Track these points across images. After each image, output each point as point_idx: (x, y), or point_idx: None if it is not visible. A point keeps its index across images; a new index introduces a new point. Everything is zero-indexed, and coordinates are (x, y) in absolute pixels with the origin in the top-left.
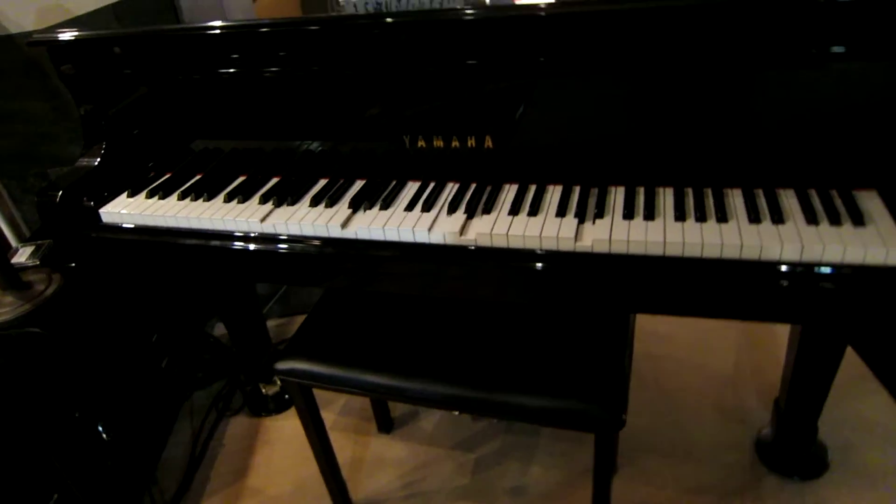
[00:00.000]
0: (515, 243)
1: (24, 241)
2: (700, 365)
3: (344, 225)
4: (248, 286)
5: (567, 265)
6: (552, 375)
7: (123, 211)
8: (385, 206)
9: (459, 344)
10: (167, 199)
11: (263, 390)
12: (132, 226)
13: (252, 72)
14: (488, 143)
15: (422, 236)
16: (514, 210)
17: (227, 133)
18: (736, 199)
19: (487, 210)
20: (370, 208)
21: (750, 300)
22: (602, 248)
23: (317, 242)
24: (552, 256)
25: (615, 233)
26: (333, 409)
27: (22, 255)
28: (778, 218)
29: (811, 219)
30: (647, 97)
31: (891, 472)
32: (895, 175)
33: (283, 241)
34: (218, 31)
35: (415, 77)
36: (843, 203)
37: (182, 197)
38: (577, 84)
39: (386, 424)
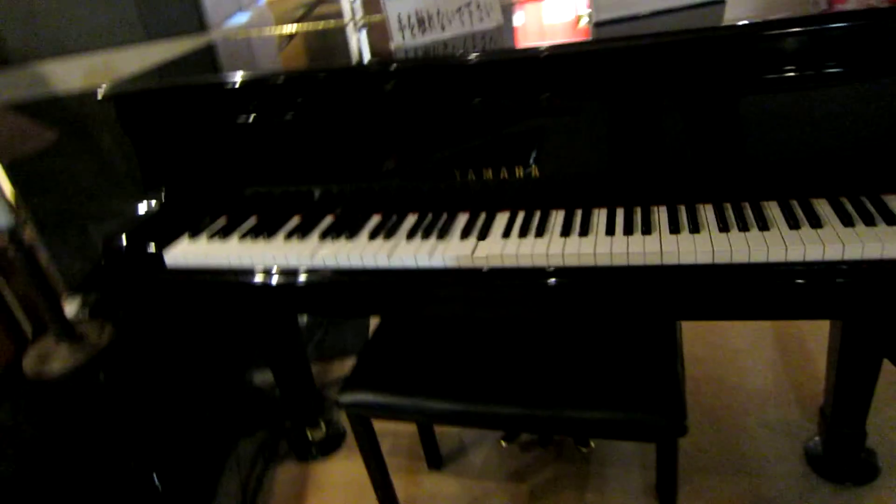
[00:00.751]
0: (562, 261)
1: (70, 293)
2: (737, 385)
3: (402, 255)
4: (293, 331)
5: (629, 277)
6: (611, 389)
7: (188, 253)
8: (441, 236)
9: (516, 365)
10: (228, 241)
11: (309, 435)
12: (197, 267)
13: (306, 118)
14: (535, 172)
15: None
16: (566, 232)
17: (278, 178)
18: (773, 210)
19: (540, 234)
20: (426, 238)
21: (797, 299)
22: (655, 259)
23: (376, 272)
24: (611, 270)
25: (682, 244)
26: (384, 446)
27: (70, 307)
28: (816, 223)
29: (847, 221)
30: (696, 118)
31: None
32: None
33: (343, 273)
34: (279, 80)
35: (464, 114)
36: (874, 206)
37: (243, 238)
38: (618, 112)
39: (435, 460)
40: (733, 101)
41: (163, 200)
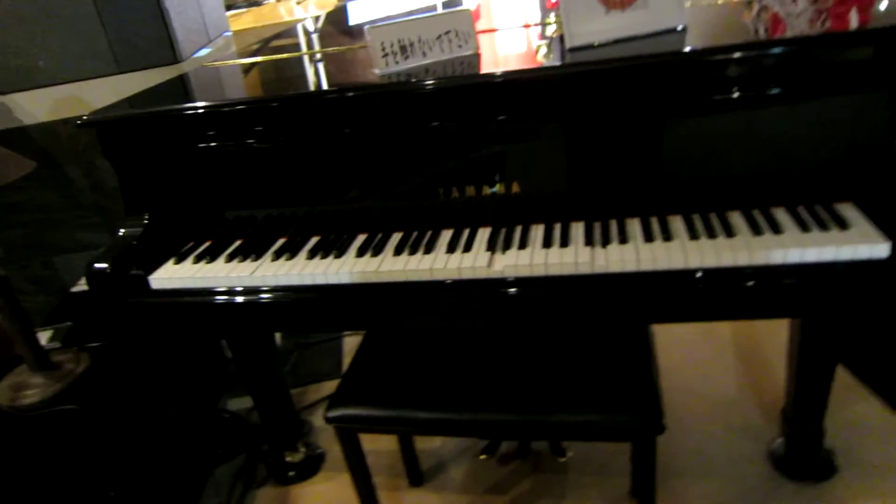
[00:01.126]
0: (543, 271)
1: (42, 325)
2: (703, 393)
3: (390, 269)
4: (272, 353)
5: (600, 284)
6: (592, 393)
7: (175, 276)
8: (428, 251)
9: (499, 373)
10: (215, 263)
11: (288, 458)
12: (184, 289)
13: (286, 141)
14: (515, 188)
15: (468, 273)
16: (547, 243)
17: (261, 202)
18: (737, 218)
19: (523, 246)
20: (413, 254)
21: (761, 299)
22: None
23: (364, 287)
24: (585, 279)
25: (657, 251)
26: None
27: (41, 339)
28: (777, 229)
29: (805, 228)
30: (678, 134)
31: (893, 466)
32: (866, 189)
33: (333, 290)
34: (258, 106)
35: (447, 135)
36: (827, 213)
37: (230, 259)
38: (574, 133)
39: (416, 477)
40: (683, 121)
41: (145, 225)
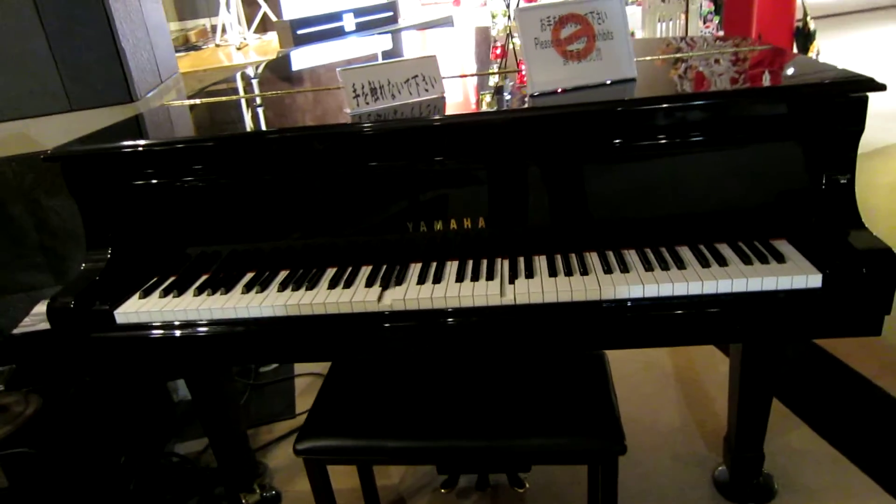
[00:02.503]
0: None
1: None
2: (649, 425)
3: (373, 300)
4: (231, 392)
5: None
6: (556, 418)
7: (142, 310)
8: (399, 283)
9: (465, 402)
10: (183, 297)
11: (244, 500)
12: (151, 323)
13: (251, 177)
14: (481, 223)
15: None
16: (512, 278)
17: (226, 238)
18: (686, 252)
19: (490, 277)
20: (387, 287)
21: (710, 325)
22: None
23: (337, 317)
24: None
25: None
26: None
27: None
28: (723, 262)
29: (747, 261)
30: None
31: (825, 489)
32: (797, 227)
33: (304, 321)
34: (213, 143)
35: (414, 172)
36: (765, 249)
37: (198, 293)
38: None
39: None
40: (636, 164)
41: (108, 260)
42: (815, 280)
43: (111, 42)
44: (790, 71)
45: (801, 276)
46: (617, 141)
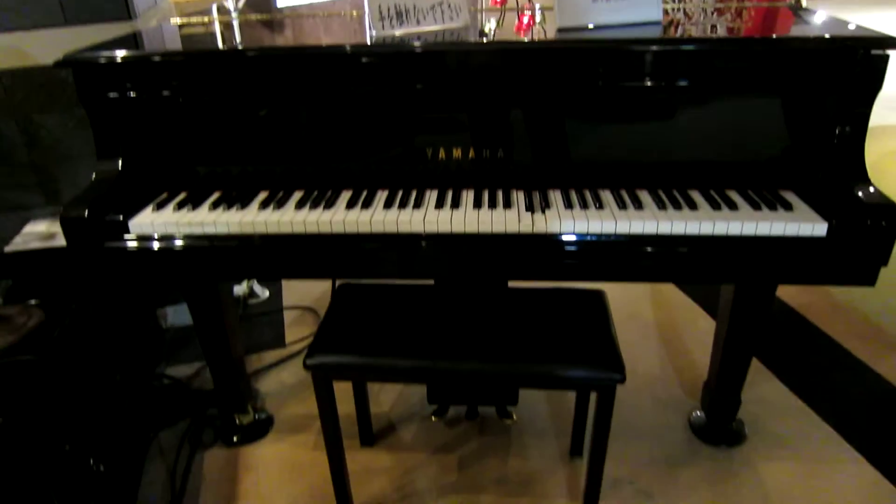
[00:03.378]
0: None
1: None
2: (632, 370)
3: (392, 220)
4: (232, 314)
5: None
6: (562, 349)
7: (157, 222)
8: (417, 206)
9: (473, 329)
10: (198, 211)
11: (238, 421)
12: (167, 234)
13: (262, 97)
14: (505, 153)
15: (458, 227)
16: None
17: (236, 158)
18: (698, 196)
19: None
20: (404, 208)
21: (716, 264)
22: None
23: (357, 237)
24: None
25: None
26: (313, 429)
27: None
28: (734, 207)
29: (756, 207)
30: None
31: (791, 437)
32: (805, 179)
33: (321, 240)
34: (241, 56)
35: (433, 97)
36: (774, 198)
37: (214, 208)
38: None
39: (368, 438)
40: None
41: (119, 171)
42: (820, 229)
43: None
44: (815, 25)
45: (807, 224)
46: (635, 83)
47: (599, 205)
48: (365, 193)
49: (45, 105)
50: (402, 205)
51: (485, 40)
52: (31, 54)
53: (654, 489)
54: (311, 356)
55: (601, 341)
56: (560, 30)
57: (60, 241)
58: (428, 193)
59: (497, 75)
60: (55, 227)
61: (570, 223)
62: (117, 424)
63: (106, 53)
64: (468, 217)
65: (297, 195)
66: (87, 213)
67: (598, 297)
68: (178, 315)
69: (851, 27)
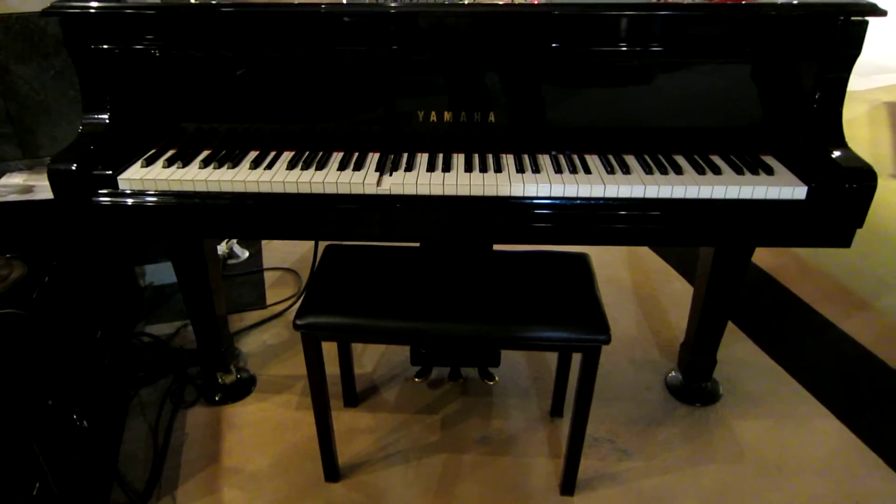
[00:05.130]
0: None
1: None
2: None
3: (378, 184)
4: (216, 274)
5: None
6: (549, 310)
7: (147, 177)
8: (409, 169)
9: (455, 289)
10: (189, 168)
11: (220, 380)
12: (157, 190)
13: (258, 56)
14: (491, 117)
15: (451, 190)
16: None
17: (224, 116)
18: (683, 161)
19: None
20: (395, 170)
21: (706, 228)
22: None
23: (350, 197)
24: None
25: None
26: (296, 390)
27: None
28: (717, 171)
29: (739, 171)
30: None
31: (763, 395)
32: (783, 144)
33: (312, 199)
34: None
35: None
36: (755, 162)
37: (204, 165)
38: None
39: (352, 399)
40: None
41: (107, 124)
42: (800, 192)
43: None
44: None
45: (788, 188)
46: (613, 48)
47: (587, 169)
48: (356, 155)
49: (23, 55)
50: (394, 167)
51: (466, 1)
52: (8, 2)
53: (632, 447)
54: (301, 317)
55: (587, 303)
56: None
57: (39, 195)
58: (419, 157)
59: (470, 39)
60: (32, 179)
61: (559, 187)
62: (99, 381)
63: (96, 4)
64: (460, 180)
65: (288, 155)
66: (75, 166)
67: (583, 259)
68: (156, 273)
69: None
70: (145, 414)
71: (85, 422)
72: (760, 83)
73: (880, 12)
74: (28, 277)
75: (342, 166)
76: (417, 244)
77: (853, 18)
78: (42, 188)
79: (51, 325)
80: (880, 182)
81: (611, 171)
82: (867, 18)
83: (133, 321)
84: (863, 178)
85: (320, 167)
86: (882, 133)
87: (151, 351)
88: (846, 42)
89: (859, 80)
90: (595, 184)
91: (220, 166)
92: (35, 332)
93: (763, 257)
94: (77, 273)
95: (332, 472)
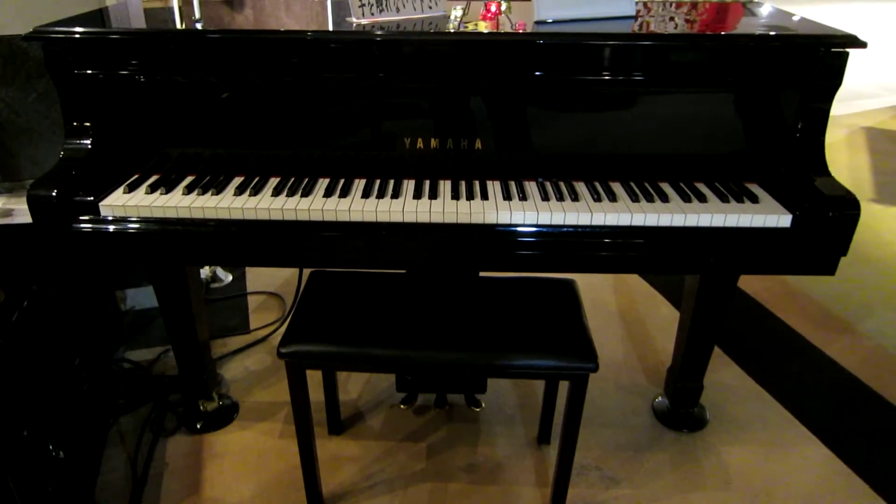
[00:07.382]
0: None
1: None
2: None
3: (371, 210)
4: (199, 300)
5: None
6: (536, 339)
7: (129, 204)
8: (395, 196)
9: (442, 317)
10: (172, 194)
11: (202, 407)
12: (139, 217)
13: (243, 82)
14: (478, 144)
15: (437, 217)
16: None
17: (208, 142)
18: (668, 188)
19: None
20: (382, 197)
21: (684, 255)
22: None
23: (335, 224)
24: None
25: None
26: (279, 417)
27: None
28: (703, 199)
29: (724, 199)
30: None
31: (750, 420)
32: (769, 172)
33: (298, 227)
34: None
35: (409, 89)
36: (740, 190)
37: (188, 192)
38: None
39: (336, 426)
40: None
41: (88, 150)
42: (785, 220)
43: None
44: (778, 23)
45: (773, 216)
46: (597, 76)
47: (574, 196)
48: (342, 182)
49: (5, 77)
50: (381, 194)
51: (451, 28)
52: None
53: (619, 474)
54: (285, 345)
55: (574, 331)
56: (537, 22)
57: (18, 219)
58: (405, 183)
59: (456, 67)
60: (12, 203)
61: (546, 215)
62: (77, 409)
63: (80, 28)
64: (447, 207)
65: (273, 181)
66: (55, 192)
67: (570, 286)
68: (137, 298)
69: (818, 25)
70: (125, 443)
71: (61, 452)
72: (744, 112)
73: (860, 44)
74: (6, 303)
75: (328, 193)
76: (403, 271)
77: (833, 50)
78: (21, 212)
79: (28, 352)
80: (861, 206)
81: (597, 198)
82: (847, 50)
83: (113, 347)
84: (846, 207)
85: (306, 194)
86: (861, 157)
87: (131, 378)
88: (827, 73)
89: (839, 105)
90: (582, 211)
91: (203, 192)
92: (11, 360)
93: (749, 282)
94: (56, 298)
95: (317, 502)
